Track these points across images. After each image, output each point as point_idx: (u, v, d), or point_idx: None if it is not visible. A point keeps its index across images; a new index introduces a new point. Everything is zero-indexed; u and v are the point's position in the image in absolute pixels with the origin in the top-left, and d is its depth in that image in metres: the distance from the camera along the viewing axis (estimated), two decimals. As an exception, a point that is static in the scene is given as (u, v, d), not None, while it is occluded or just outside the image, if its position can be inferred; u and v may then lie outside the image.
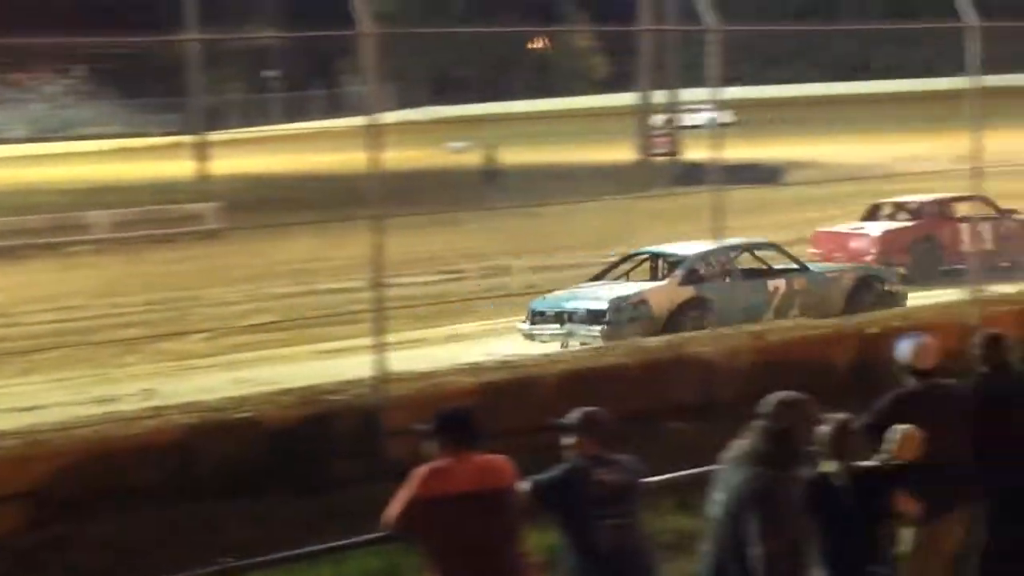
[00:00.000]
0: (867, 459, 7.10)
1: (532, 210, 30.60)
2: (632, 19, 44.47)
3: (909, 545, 7.69)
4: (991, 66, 14.69)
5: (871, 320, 14.31)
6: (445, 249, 27.77)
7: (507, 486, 6.48)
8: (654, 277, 18.15)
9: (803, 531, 6.35)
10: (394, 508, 6.35)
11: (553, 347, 15.90)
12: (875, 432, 7.29)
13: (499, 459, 6.51)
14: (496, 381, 11.83)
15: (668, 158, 43.71)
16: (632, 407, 11.96)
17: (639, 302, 16.99)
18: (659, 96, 47.00)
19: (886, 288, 17.98)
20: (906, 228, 23.18)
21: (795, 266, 18.13)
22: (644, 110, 46.30)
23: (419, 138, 45.24)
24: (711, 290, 16.52)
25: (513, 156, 43.44)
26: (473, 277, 24.72)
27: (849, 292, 17.72)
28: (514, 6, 73.51)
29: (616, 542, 6.69)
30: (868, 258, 21.31)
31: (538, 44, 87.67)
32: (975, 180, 14.61)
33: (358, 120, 11.92)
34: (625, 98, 50.78)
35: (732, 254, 17.37)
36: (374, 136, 11.14)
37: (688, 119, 46.18)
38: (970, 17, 14.08)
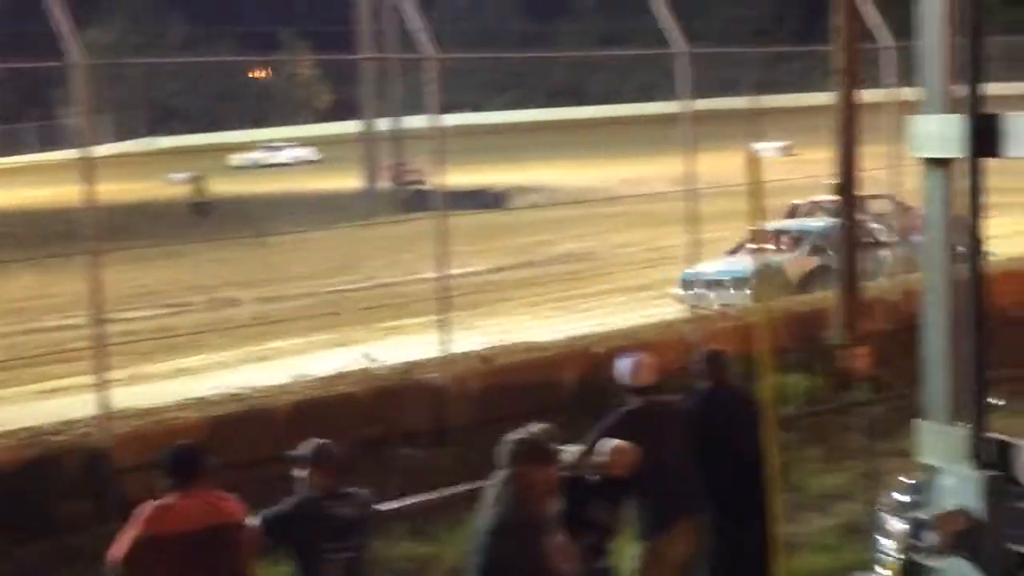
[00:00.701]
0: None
1: (260, 240, 30.23)
2: (354, 48, 44.50)
3: (637, 559, 7.88)
4: (703, 90, 15.18)
5: (597, 340, 14.55)
6: (169, 282, 27.16)
7: (234, 522, 6.39)
8: (778, 250, 20.81)
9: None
10: (118, 548, 6.20)
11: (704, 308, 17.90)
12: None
13: (226, 495, 6.42)
14: (224, 415, 11.64)
15: (413, 186, 43.68)
16: (363, 435, 11.94)
17: (778, 270, 19.68)
18: (383, 124, 47.09)
19: None
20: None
21: (896, 238, 19.13)
22: (368, 138, 46.31)
23: (141, 170, 44.27)
24: (833, 259, 17.64)
25: (236, 186, 42.92)
26: (199, 310, 24.23)
27: None
28: (235, 36, 72.73)
29: (346, 575, 6.67)
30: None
31: (260, 73, 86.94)
32: (690, 202, 15.03)
33: (72, 153, 11.61)
34: (349, 126, 50.76)
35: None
36: (87, 169, 10.84)
37: (270, 157, 46.25)
38: (679, 44, 14.53)
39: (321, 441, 6.82)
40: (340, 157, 46.72)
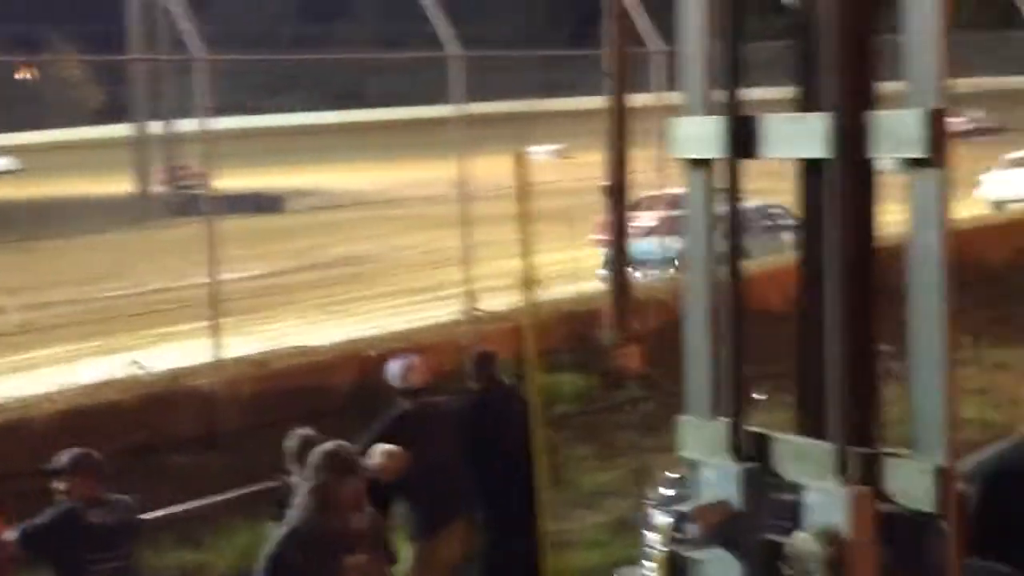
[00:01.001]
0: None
1: (25, 245, 29.26)
2: (125, 49, 43.48)
3: (408, 561, 7.86)
4: (481, 94, 15.27)
5: (372, 343, 14.50)
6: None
7: (-10, 536, 6.18)
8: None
9: None
10: None
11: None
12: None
13: None
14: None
15: (187, 190, 42.65)
16: (132, 443, 11.67)
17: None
18: (155, 127, 46.10)
19: None
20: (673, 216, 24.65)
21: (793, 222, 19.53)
22: (139, 141, 45.28)
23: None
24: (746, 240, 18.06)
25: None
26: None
27: None
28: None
29: None
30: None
31: (26, 74, 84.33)
32: (465, 204, 15.11)
33: None
34: (121, 129, 49.56)
35: (756, 213, 20.32)
36: None
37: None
38: (453, 48, 14.59)
39: (79, 449, 6.63)
40: (109, 161, 45.54)
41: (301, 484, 6.24)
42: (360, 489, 6.21)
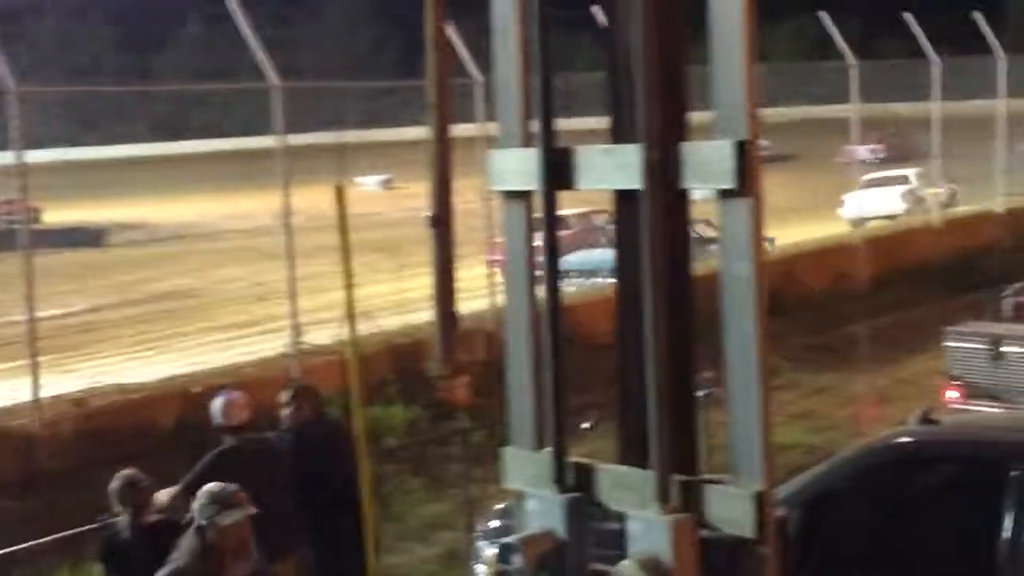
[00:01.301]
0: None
1: None
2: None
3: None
4: (307, 125, 15.13)
5: (196, 378, 14.27)
6: None
7: None
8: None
9: None
10: None
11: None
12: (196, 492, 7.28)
13: None
14: None
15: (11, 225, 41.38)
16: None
17: None
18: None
19: None
20: (571, 233, 24.92)
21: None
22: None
23: None
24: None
25: None
26: None
27: None
28: None
29: None
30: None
31: None
32: (290, 236, 14.96)
33: None
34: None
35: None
36: None
37: None
38: (272, 79, 14.47)
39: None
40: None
41: (189, 527, 6.17)
42: (246, 529, 6.17)
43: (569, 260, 21.50)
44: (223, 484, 6.22)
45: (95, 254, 33.52)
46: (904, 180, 31.13)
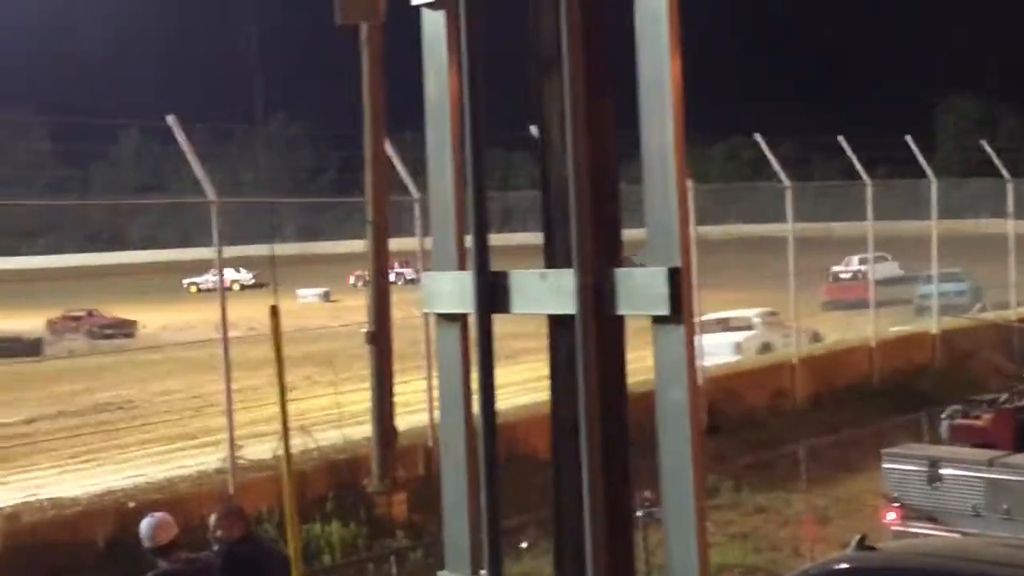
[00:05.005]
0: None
1: None
2: None
3: None
4: (246, 237, 15.10)
5: (130, 493, 14.08)
6: None
7: None
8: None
9: None
10: None
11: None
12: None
13: None
14: None
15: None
16: None
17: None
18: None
19: None
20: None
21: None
22: None
23: None
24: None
25: None
26: None
27: None
28: None
29: None
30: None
31: None
32: (229, 348, 14.89)
33: None
34: None
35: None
36: None
37: None
38: (210, 193, 14.50)
39: None
40: None
41: None
42: None
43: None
44: None
45: (31, 365, 33.22)
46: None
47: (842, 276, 39.11)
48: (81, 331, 44.58)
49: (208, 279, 63.81)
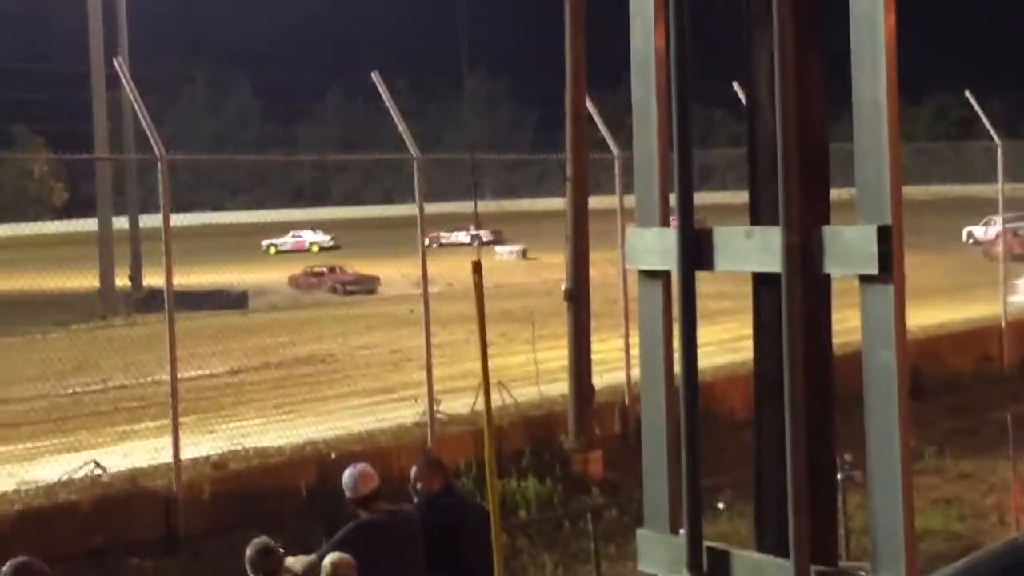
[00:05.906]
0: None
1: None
2: (91, 147, 43.50)
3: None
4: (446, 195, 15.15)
5: (331, 444, 14.39)
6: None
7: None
8: None
9: None
10: None
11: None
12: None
13: None
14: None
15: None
16: (89, 546, 11.52)
17: None
18: (120, 223, 45.98)
19: None
20: None
21: None
22: (104, 237, 45.10)
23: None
24: None
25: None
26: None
27: None
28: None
29: None
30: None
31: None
32: (425, 305, 15.06)
33: None
34: (88, 224, 49.40)
35: None
36: None
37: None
38: (413, 150, 14.62)
39: (22, 559, 6.51)
40: (73, 257, 45.40)
41: None
42: None
43: None
44: (344, 557, 6.27)
45: (237, 318, 34.11)
46: None
47: None
48: (324, 287, 45.38)
49: (287, 241, 64.76)
